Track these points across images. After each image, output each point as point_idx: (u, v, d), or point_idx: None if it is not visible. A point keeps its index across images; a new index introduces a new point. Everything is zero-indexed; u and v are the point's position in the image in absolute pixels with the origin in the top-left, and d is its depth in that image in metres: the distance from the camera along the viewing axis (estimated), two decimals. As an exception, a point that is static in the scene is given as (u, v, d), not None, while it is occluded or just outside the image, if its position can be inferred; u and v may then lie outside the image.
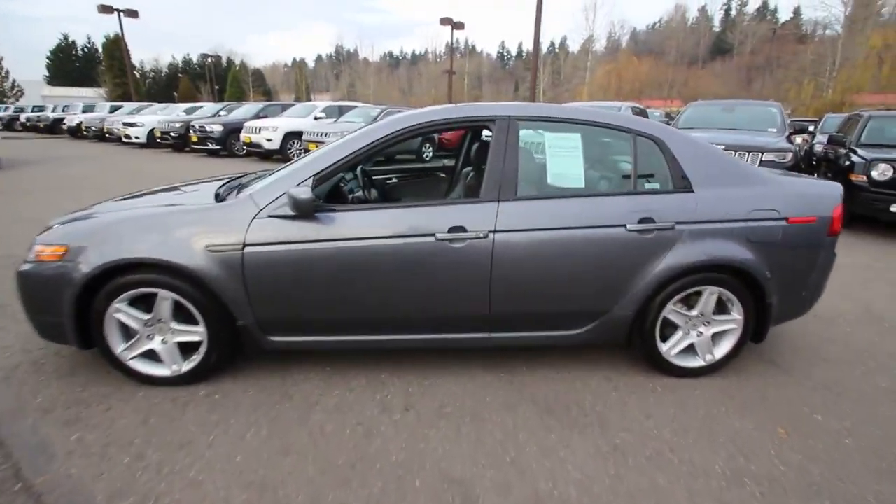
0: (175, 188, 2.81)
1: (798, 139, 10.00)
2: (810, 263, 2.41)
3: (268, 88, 68.46)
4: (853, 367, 2.69)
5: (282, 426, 2.00)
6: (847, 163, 6.41)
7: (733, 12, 70.52)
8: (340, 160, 2.18)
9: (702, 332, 2.45)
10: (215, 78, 53.72)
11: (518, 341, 2.36)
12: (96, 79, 49.65)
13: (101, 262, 2.04)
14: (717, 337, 2.48)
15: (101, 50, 51.89)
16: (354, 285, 2.15)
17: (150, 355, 2.25)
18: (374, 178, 3.75)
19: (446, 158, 12.99)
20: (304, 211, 2.03)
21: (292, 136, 12.10)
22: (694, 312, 2.40)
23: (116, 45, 36.37)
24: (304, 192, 1.98)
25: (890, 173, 5.76)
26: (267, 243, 2.07)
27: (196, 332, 2.20)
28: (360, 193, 2.76)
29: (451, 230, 2.12)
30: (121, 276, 2.08)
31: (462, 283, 2.18)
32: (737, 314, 2.41)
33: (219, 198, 2.33)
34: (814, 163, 9.32)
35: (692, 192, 2.28)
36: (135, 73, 54.50)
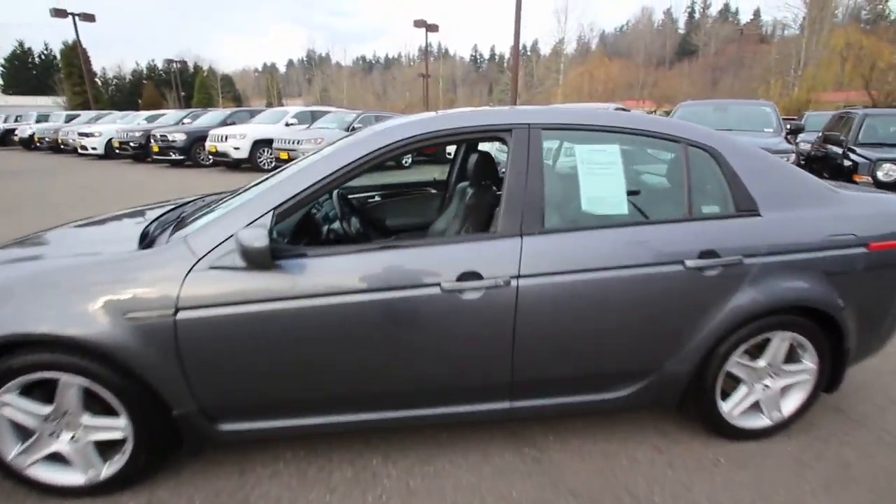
0: (141, 213, 2.24)
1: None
2: (891, 295, 1.98)
3: (237, 94, 66.57)
4: (928, 410, 2.29)
5: (237, 563, 1.44)
6: (848, 163, 6.16)
7: (697, 15, 72.47)
8: (312, 187, 1.62)
9: (768, 385, 1.99)
10: (182, 84, 51.90)
11: (546, 410, 1.84)
12: (54, 87, 47.40)
13: None
14: (784, 390, 2.03)
15: (59, 57, 49.66)
16: (334, 353, 1.61)
17: (58, 457, 1.66)
18: (353, 196, 3.19)
19: (432, 165, 12.48)
20: (257, 262, 1.47)
21: (262, 143, 11.37)
22: (761, 363, 1.94)
23: (75, 52, 34.69)
24: (259, 238, 1.42)
25: (896, 174, 5.51)
26: (209, 304, 1.51)
27: (116, 427, 1.61)
28: (337, 225, 2.20)
29: (461, 277, 1.60)
30: (1, 357, 1.49)
31: (477, 344, 1.67)
32: (810, 362, 1.96)
33: (145, 239, 1.75)
34: (801, 162, 9.17)
35: (759, 215, 1.82)
36: (97, 80, 52.45)
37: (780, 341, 1.90)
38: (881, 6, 41.89)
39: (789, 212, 1.84)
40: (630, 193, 1.79)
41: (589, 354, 1.76)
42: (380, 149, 1.66)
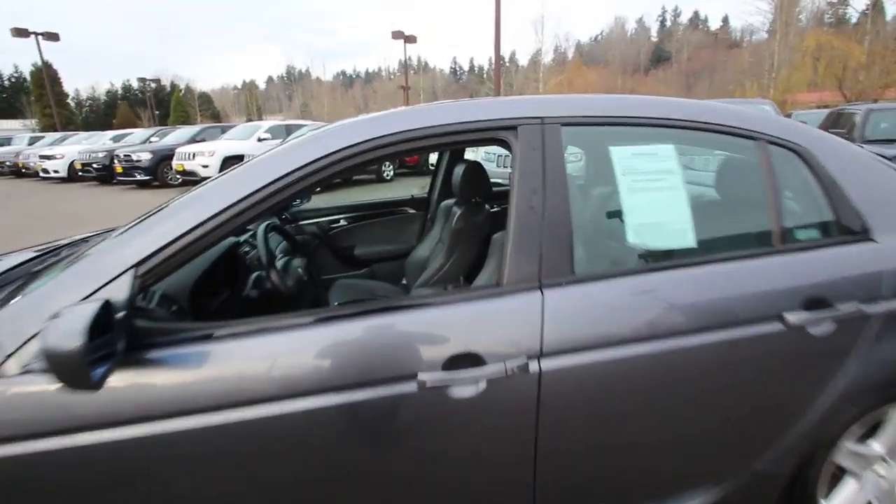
0: (84, 240, 1.69)
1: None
2: None
3: (216, 111, 65.53)
4: None
5: None
6: (859, 162, 5.76)
7: (668, 23, 74.19)
8: (206, 224, 1.01)
9: (883, 475, 1.42)
10: (159, 104, 50.84)
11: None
12: (22, 110, 46.22)
13: None
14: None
15: (29, 79, 48.38)
16: (247, 495, 1.00)
17: None
18: (312, 221, 2.60)
19: (419, 177, 11.85)
20: (66, 377, 0.81)
21: (233, 160, 10.68)
22: (876, 448, 1.37)
23: (46, 74, 33.61)
24: (73, 333, 0.79)
25: (915, 171, 5.12)
26: (20, 436, 0.89)
27: None
28: (274, 276, 1.54)
29: (451, 363, 1.00)
30: None
31: (478, 463, 1.07)
32: (938, 439, 1.41)
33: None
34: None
35: (872, 240, 1.27)
36: (70, 102, 51.23)
37: (902, 416, 1.35)
38: (842, 10, 43.32)
39: (913, 233, 1.29)
40: (693, 214, 1.22)
41: (646, 459, 1.17)
42: (313, 162, 1.06)
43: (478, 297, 1.08)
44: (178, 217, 1.01)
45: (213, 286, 1.45)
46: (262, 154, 1.15)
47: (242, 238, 1.76)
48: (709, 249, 1.22)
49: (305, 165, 1.04)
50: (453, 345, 1.01)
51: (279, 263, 1.59)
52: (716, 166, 1.54)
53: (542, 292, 1.07)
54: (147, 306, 1.07)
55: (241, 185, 1.03)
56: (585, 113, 1.20)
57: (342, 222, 2.66)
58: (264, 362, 0.97)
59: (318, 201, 2.75)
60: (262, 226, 1.64)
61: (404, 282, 2.54)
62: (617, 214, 1.17)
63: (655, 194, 1.18)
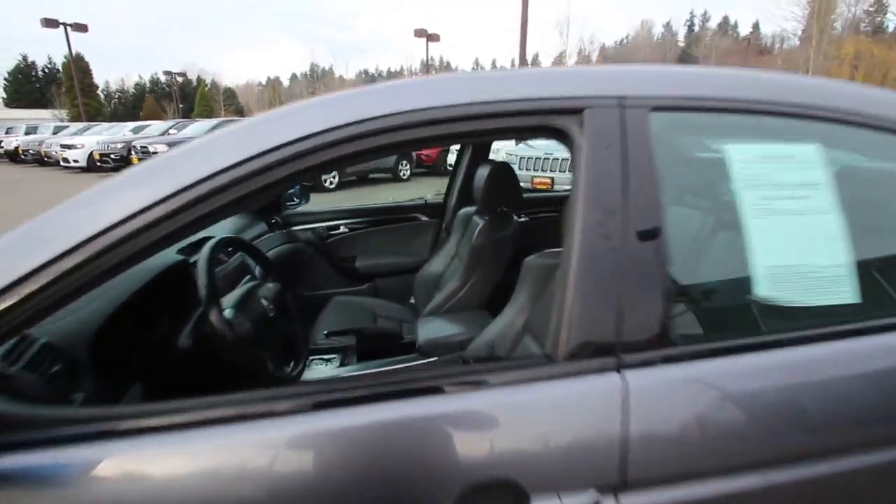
0: None
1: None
2: None
3: (240, 107, 66.48)
4: None
5: None
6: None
7: (696, 27, 72.66)
8: (105, 236, 0.64)
9: None
10: (184, 98, 51.83)
11: None
12: (52, 100, 47.75)
13: None
14: None
15: (61, 70, 49.87)
16: None
17: None
18: (306, 227, 2.23)
19: (431, 178, 11.42)
20: None
21: (248, 156, 10.50)
22: None
23: (76, 65, 34.42)
24: None
25: None
26: None
27: None
28: (214, 318, 1.08)
29: (472, 497, 0.61)
30: None
31: None
32: None
33: None
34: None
35: None
36: (99, 93, 52.71)
37: None
38: (879, 18, 41.90)
39: None
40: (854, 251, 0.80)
41: None
42: (297, 144, 0.67)
43: (515, 379, 0.67)
44: (61, 223, 0.63)
45: (142, 323, 1.06)
46: (238, 126, 0.75)
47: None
48: (869, 309, 0.79)
49: (249, 160, 0.66)
50: (475, 464, 0.61)
51: (235, 295, 1.19)
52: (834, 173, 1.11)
53: (620, 374, 0.66)
54: (7, 371, 0.70)
55: (163, 179, 0.65)
56: (688, 92, 0.79)
57: (343, 229, 2.29)
58: (186, 478, 0.59)
59: (317, 203, 2.39)
60: (212, 242, 1.23)
61: (412, 301, 2.17)
62: (737, 250, 0.76)
63: (798, 220, 0.76)
